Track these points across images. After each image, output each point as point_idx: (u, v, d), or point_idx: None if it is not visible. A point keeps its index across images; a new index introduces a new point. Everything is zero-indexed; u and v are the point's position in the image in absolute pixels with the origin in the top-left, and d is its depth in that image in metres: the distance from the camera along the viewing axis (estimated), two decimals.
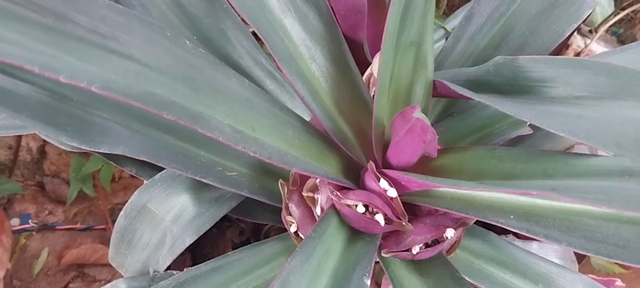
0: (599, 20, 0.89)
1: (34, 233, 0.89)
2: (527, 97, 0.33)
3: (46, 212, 0.91)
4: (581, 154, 0.29)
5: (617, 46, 0.94)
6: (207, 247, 0.58)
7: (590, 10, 0.44)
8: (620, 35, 0.94)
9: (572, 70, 0.32)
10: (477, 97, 0.33)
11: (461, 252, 0.41)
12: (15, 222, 0.89)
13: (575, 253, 0.54)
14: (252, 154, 0.30)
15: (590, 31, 0.90)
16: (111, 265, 0.71)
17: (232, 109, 0.31)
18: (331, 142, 0.37)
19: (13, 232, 0.87)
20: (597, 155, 0.28)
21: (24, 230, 0.88)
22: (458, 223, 0.38)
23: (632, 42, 0.95)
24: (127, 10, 0.27)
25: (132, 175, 0.92)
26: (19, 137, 0.88)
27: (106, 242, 0.87)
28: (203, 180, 0.40)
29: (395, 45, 0.34)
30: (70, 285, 0.85)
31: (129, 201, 0.47)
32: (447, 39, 0.61)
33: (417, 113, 0.29)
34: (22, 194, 0.91)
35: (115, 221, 0.79)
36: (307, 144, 0.36)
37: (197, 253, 0.57)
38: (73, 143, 0.39)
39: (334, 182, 0.36)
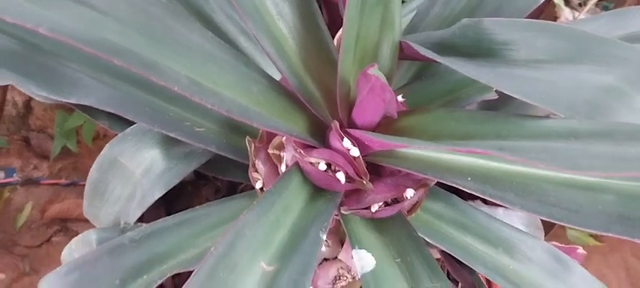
0: None
1: (18, 187, 0.89)
2: (491, 59, 0.33)
3: (31, 167, 0.91)
4: (535, 117, 0.29)
5: None
6: (182, 204, 0.59)
7: None
8: (609, 9, 0.94)
9: (534, 34, 0.32)
10: (439, 59, 0.33)
11: (423, 213, 0.42)
12: (0, 176, 0.89)
13: (542, 222, 0.55)
14: (209, 106, 0.30)
15: (580, 4, 0.90)
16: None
17: (192, 62, 0.31)
18: (298, 101, 0.37)
19: None
20: (549, 118, 0.29)
21: (8, 184, 0.89)
22: (419, 184, 0.38)
23: None
24: None
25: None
26: (5, 91, 0.88)
27: None
28: (170, 134, 0.40)
29: (361, 3, 0.34)
30: (53, 238, 0.86)
31: (101, 154, 0.48)
32: None
33: (374, 71, 0.29)
34: (7, 148, 0.91)
35: None
36: (273, 101, 0.36)
37: (172, 209, 0.58)
38: (42, 93, 0.39)
39: (299, 140, 0.37)
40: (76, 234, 0.86)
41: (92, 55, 0.40)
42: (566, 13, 0.87)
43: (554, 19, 0.86)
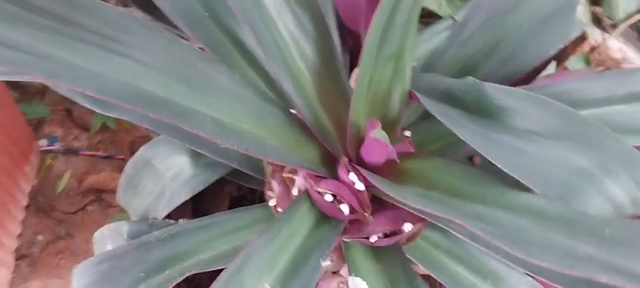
0: (621, 15, 0.89)
1: (59, 155, 0.96)
2: (488, 120, 0.37)
3: (72, 137, 0.98)
4: (518, 189, 0.33)
5: (637, 44, 0.93)
6: (207, 199, 0.63)
7: (579, 32, 0.46)
8: None
9: (529, 105, 0.35)
10: (440, 117, 0.36)
11: (421, 241, 0.46)
12: (43, 143, 0.96)
13: None
14: (230, 147, 0.34)
15: (613, 26, 0.90)
16: None
17: (219, 100, 0.35)
18: (311, 134, 0.41)
19: (41, 152, 0.94)
20: (529, 191, 0.32)
21: (50, 151, 0.95)
22: (417, 219, 0.42)
23: None
24: (129, 13, 0.31)
25: None
26: None
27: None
28: (198, 150, 0.45)
29: (375, 57, 0.38)
30: (88, 207, 0.92)
31: (136, 153, 0.53)
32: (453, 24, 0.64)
33: (376, 133, 0.32)
34: (51, 118, 0.98)
35: (134, 153, 0.85)
36: (288, 133, 0.40)
37: (197, 203, 0.63)
38: (87, 105, 0.44)
39: (309, 171, 0.41)
40: (109, 205, 0.93)
41: None
42: (595, 35, 0.88)
43: (583, 39, 0.87)
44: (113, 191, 0.93)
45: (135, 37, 0.31)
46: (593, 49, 0.88)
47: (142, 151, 0.52)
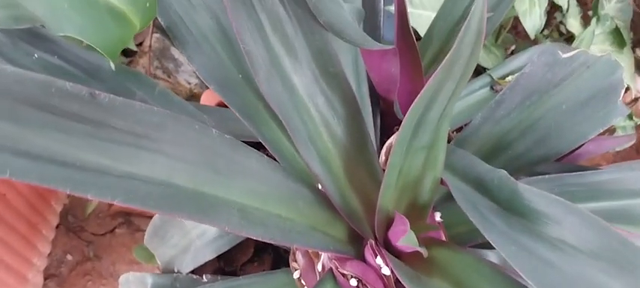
0: None
1: None
2: (520, 220, 0.36)
3: None
4: None
5: None
6: (233, 251, 0.63)
7: (619, 118, 0.45)
8: None
9: (563, 213, 0.34)
10: (469, 214, 0.35)
11: None
12: None
13: None
14: (254, 238, 0.34)
15: None
16: None
17: (247, 185, 0.35)
18: (339, 214, 0.41)
19: None
20: None
21: None
22: None
23: None
24: (162, 110, 0.31)
25: None
26: None
27: None
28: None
29: (406, 149, 0.37)
30: (116, 230, 0.94)
31: None
32: (491, 88, 0.62)
33: (404, 241, 0.32)
34: None
35: None
36: (316, 213, 0.40)
37: (223, 253, 0.63)
38: None
39: (335, 253, 0.40)
40: (138, 228, 0.94)
41: None
42: (638, 85, 0.85)
43: (626, 90, 0.84)
44: (142, 215, 0.94)
45: (165, 132, 0.31)
46: (636, 99, 0.85)
47: None
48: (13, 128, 0.26)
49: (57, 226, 0.91)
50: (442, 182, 0.41)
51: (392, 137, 0.47)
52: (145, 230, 0.93)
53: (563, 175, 0.42)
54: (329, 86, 0.39)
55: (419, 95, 0.33)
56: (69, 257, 0.91)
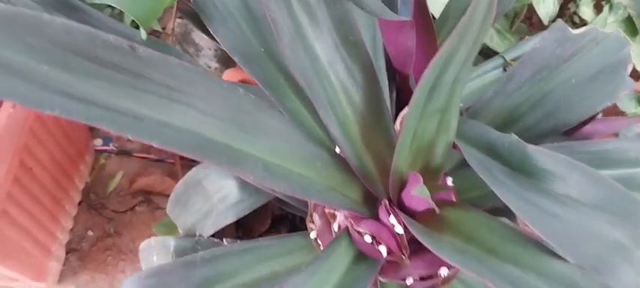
0: None
1: (112, 155, 1.01)
2: (528, 180, 0.37)
3: (125, 138, 1.02)
4: (551, 254, 0.34)
5: None
6: (250, 214, 0.66)
7: (627, 90, 0.46)
8: None
9: (570, 171, 0.36)
10: (480, 173, 0.37)
11: (457, 283, 0.47)
12: (98, 142, 1.01)
13: None
14: (277, 190, 0.36)
15: None
16: None
17: (270, 143, 0.38)
18: (355, 175, 0.43)
19: (95, 151, 0.99)
20: (562, 259, 0.33)
21: (104, 151, 1.00)
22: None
23: None
24: (192, 66, 0.33)
25: None
26: None
27: (173, 176, 0.97)
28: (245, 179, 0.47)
29: (421, 112, 0.39)
30: (137, 208, 0.97)
31: (188, 173, 0.56)
32: (503, 69, 0.64)
33: (416, 191, 0.34)
34: None
35: (183, 159, 0.89)
36: (333, 174, 0.42)
37: (241, 217, 0.65)
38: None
39: (350, 211, 0.42)
40: (157, 207, 0.97)
41: None
42: None
43: (638, 79, 0.85)
44: (161, 194, 0.97)
45: (196, 87, 0.34)
46: None
47: (194, 172, 0.54)
48: (63, 74, 0.28)
49: (79, 203, 0.94)
50: (454, 148, 0.43)
51: (406, 108, 0.49)
52: (164, 209, 0.97)
53: (571, 143, 0.44)
54: (349, 54, 0.41)
55: (434, 58, 0.35)
56: (90, 233, 0.94)
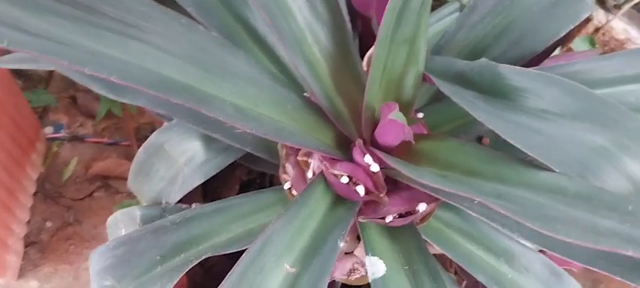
0: None
1: (65, 142, 0.96)
2: (503, 100, 0.37)
3: (77, 124, 0.98)
4: (534, 166, 0.33)
5: None
6: (217, 182, 0.64)
7: (588, 13, 0.46)
8: None
9: (544, 85, 0.35)
10: (455, 98, 0.37)
11: (434, 221, 0.46)
12: (48, 130, 0.96)
13: None
14: (249, 132, 0.34)
15: (616, 6, 0.90)
16: None
17: (237, 87, 0.36)
18: (326, 117, 0.41)
19: (47, 139, 0.95)
20: (545, 168, 0.32)
21: (56, 139, 0.96)
22: (431, 199, 0.42)
23: None
24: (149, 1, 0.31)
25: None
26: None
27: (129, 158, 0.94)
28: (213, 135, 0.45)
29: (389, 41, 0.38)
30: (95, 193, 0.93)
31: (148, 139, 0.53)
32: (460, 11, 0.64)
33: (394, 115, 0.33)
34: (56, 106, 0.98)
35: (139, 139, 0.85)
36: (304, 117, 0.41)
37: (208, 186, 0.63)
38: (102, 92, 0.44)
39: (324, 154, 0.41)
40: (116, 191, 0.94)
41: None
42: (599, 16, 0.88)
43: (587, 21, 0.87)
44: (120, 177, 0.94)
45: (153, 23, 0.31)
46: (597, 29, 0.88)
47: (154, 137, 0.52)
48: (11, 8, 0.26)
49: (34, 194, 0.90)
50: (424, 80, 0.42)
51: (371, 49, 0.47)
52: (123, 193, 0.93)
53: (539, 67, 0.43)
54: None
55: None
56: (48, 224, 0.89)
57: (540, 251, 0.47)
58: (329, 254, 0.38)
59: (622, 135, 0.31)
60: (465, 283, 0.57)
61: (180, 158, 0.51)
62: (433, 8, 0.67)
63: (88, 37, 0.28)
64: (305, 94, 0.42)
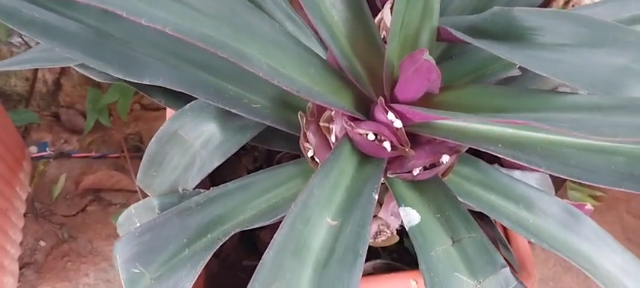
0: None
1: (51, 160, 0.94)
2: (520, 42, 0.39)
3: (62, 141, 0.96)
4: (562, 93, 0.35)
5: None
6: (224, 172, 0.64)
7: None
8: None
9: (558, 21, 0.37)
10: (476, 43, 0.38)
11: (453, 176, 0.48)
12: (33, 150, 0.94)
13: (552, 182, 0.61)
14: (284, 88, 0.35)
15: None
16: (126, 190, 0.77)
17: (266, 49, 0.36)
18: (346, 79, 0.43)
19: (32, 159, 0.93)
20: (575, 93, 0.34)
21: (42, 158, 0.94)
22: (453, 151, 0.44)
23: None
24: None
25: (143, 107, 0.97)
26: (36, 70, 0.93)
27: (120, 169, 0.93)
28: (232, 110, 0.45)
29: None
30: (88, 208, 0.91)
31: (160, 128, 0.53)
32: None
33: (426, 55, 0.34)
34: (38, 124, 0.96)
35: (129, 150, 0.85)
36: (326, 80, 0.42)
37: (216, 177, 0.63)
38: (119, 75, 0.44)
39: (348, 114, 0.42)
40: (110, 203, 0.92)
41: (159, 40, 0.45)
42: None
43: None
44: (112, 189, 0.93)
45: None
46: (566, 3, 0.92)
47: (167, 124, 0.52)
48: None
49: (24, 215, 0.88)
50: (438, 39, 0.43)
51: (379, 13, 0.49)
52: (117, 204, 0.92)
53: None
54: None
55: None
56: (42, 243, 0.87)
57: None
58: (366, 206, 0.39)
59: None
60: None
61: (196, 142, 0.51)
62: None
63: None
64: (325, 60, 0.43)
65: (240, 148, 0.66)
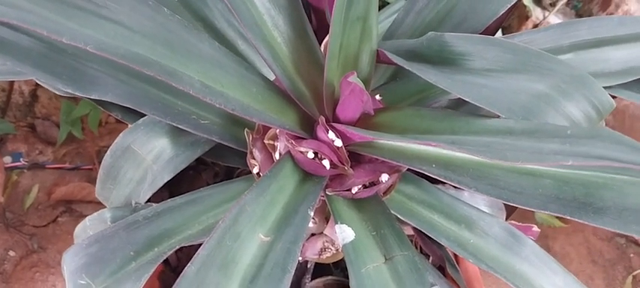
0: None
1: (25, 171, 0.95)
2: (451, 67, 0.40)
3: (37, 152, 0.97)
4: (482, 116, 0.36)
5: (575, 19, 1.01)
6: (184, 187, 0.65)
7: None
8: (579, 9, 1.01)
9: (485, 47, 0.39)
10: (408, 66, 0.39)
11: (396, 194, 0.49)
12: (7, 160, 0.95)
13: (506, 205, 0.62)
14: (217, 106, 0.36)
15: (551, 4, 0.97)
16: (97, 202, 0.78)
17: (203, 68, 0.38)
18: (290, 99, 0.44)
19: (6, 169, 0.94)
20: (495, 117, 0.35)
21: (16, 168, 0.94)
22: (392, 170, 0.45)
23: (589, 16, 1.02)
24: None
25: (117, 121, 0.98)
26: (12, 81, 0.94)
27: (92, 181, 0.93)
28: (179, 126, 0.47)
29: (343, 19, 0.41)
30: (59, 219, 0.92)
31: (114, 142, 0.54)
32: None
33: (353, 78, 0.35)
34: (14, 134, 0.97)
35: (102, 162, 0.86)
36: (269, 99, 0.43)
37: (175, 192, 0.64)
38: (68, 89, 0.45)
39: (290, 132, 0.43)
40: (81, 215, 0.93)
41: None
42: (537, 13, 0.94)
43: (526, 18, 0.93)
44: (83, 201, 0.93)
45: (122, 4, 0.33)
46: (535, 25, 0.94)
47: (121, 138, 0.53)
48: None
49: None
50: (379, 60, 0.45)
51: (326, 38, 0.50)
52: (88, 215, 0.92)
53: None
54: None
55: None
56: (11, 253, 0.88)
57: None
58: (301, 223, 0.39)
59: (559, 81, 0.35)
60: (431, 259, 0.59)
61: (148, 156, 0.52)
62: (381, 7, 0.70)
63: (62, 15, 0.30)
64: (271, 79, 0.45)
65: (201, 163, 0.67)
